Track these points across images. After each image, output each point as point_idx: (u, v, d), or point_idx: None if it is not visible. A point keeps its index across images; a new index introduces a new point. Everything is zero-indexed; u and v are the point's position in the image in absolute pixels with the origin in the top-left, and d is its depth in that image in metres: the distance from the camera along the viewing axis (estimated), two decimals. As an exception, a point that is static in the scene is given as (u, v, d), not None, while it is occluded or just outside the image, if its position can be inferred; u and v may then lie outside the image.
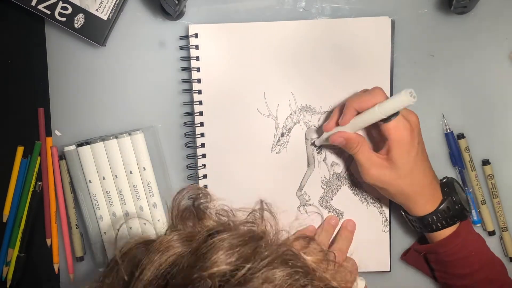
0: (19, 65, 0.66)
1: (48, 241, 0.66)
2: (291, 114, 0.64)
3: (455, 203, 0.57)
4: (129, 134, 0.64)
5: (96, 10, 0.62)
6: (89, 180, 0.64)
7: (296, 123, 0.64)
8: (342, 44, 0.63)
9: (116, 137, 0.64)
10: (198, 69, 0.63)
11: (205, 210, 0.46)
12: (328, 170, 0.64)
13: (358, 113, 0.56)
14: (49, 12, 0.61)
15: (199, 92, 0.63)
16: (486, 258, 0.59)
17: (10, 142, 0.66)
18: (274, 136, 0.64)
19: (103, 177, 0.64)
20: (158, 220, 0.65)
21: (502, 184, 0.64)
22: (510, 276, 0.60)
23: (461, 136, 0.64)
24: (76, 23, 0.62)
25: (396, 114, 0.54)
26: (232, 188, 0.64)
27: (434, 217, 0.57)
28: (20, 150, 0.65)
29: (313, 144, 0.64)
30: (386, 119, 0.54)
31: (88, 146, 0.64)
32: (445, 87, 0.65)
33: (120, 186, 0.64)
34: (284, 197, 0.64)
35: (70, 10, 0.61)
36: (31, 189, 0.65)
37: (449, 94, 0.65)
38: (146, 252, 0.39)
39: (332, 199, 0.64)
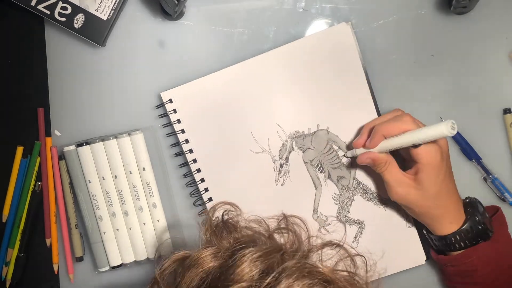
0: (19, 65, 0.66)
1: (48, 241, 0.66)
2: (283, 144, 0.64)
3: (478, 223, 0.56)
4: (129, 134, 0.64)
5: (96, 10, 0.62)
6: (89, 180, 0.64)
7: (291, 151, 0.64)
8: (311, 63, 0.63)
9: (116, 137, 0.64)
10: (183, 131, 0.63)
11: (235, 223, 0.48)
12: (336, 185, 0.64)
13: (385, 137, 0.57)
14: (48, 12, 0.61)
15: (191, 151, 0.64)
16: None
17: (9, 142, 0.66)
18: (274, 169, 0.64)
19: (103, 177, 0.64)
20: (158, 221, 0.64)
21: (502, 185, 0.64)
22: None
23: (507, 111, 0.63)
24: (76, 23, 0.62)
25: None
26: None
27: (457, 236, 0.56)
28: (19, 150, 0.65)
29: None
30: (416, 146, 0.54)
31: (88, 146, 0.64)
32: (445, 87, 0.65)
33: (120, 186, 0.64)
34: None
35: (69, 10, 0.61)
36: (30, 189, 0.65)
37: (449, 94, 0.65)
38: (181, 268, 0.42)
39: (348, 211, 0.64)
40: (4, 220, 0.66)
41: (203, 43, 0.65)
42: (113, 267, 0.65)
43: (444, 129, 0.49)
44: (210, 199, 0.64)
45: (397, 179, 0.57)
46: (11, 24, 0.66)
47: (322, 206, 0.64)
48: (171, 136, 0.65)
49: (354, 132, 0.63)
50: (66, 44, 0.65)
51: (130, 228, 0.65)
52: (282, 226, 0.48)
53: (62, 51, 0.65)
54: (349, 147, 0.63)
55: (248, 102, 0.64)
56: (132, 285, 0.66)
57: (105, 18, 0.62)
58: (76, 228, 0.65)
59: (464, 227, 0.56)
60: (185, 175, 0.65)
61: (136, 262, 0.65)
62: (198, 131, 0.64)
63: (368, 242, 0.64)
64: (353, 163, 0.63)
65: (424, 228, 0.61)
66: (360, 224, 0.64)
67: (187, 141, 0.64)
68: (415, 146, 0.55)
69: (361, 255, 0.47)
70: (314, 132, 0.64)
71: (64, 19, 0.62)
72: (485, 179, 0.64)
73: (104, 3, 0.62)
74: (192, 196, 0.65)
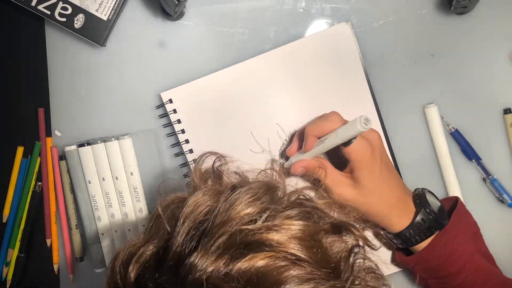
0: (19, 65, 0.66)
1: (48, 242, 0.66)
2: (283, 143, 0.64)
3: (429, 214, 0.56)
4: (130, 136, 0.64)
5: (96, 10, 0.62)
6: (89, 181, 0.64)
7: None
8: (311, 63, 0.63)
9: (117, 139, 0.64)
10: (183, 131, 0.63)
11: (223, 171, 0.52)
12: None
13: (319, 138, 0.57)
14: (49, 13, 0.61)
15: (191, 151, 0.64)
16: (476, 245, 0.58)
17: (10, 142, 0.66)
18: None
19: (103, 178, 0.64)
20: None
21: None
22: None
23: (508, 111, 0.64)
24: (76, 23, 0.62)
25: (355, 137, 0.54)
26: None
27: (410, 231, 0.56)
28: (20, 150, 0.65)
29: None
30: (346, 143, 0.54)
31: (89, 146, 0.64)
32: (445, 87, 0.65)
33: (120, 188, 0.64)
34: None
35: (70, 11, 0.61)
36: (31, 190, 0.65)
37: (449, 94, 0.65)
38: (183, 207, 0.44)
39: None
40: (4, 220, 0.66)
41: (204, 43, 0.65)
42: None
43: (358, 125, 0.50)
44: None
45: (334, 180, 0.57)
46: (11, 24, 0.66)
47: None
48: (171, 136, 0.65)
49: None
50: (66, 44, 0.65)
51: (129, 230, 0.65)
52: (262, 178, 0.53)
53: (62, 51, 0.65)
54: (285, 156, 0.63)
55: (247, 102, 0.64)
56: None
57: (105, 18, 0.62)
58: (76, 228, 0.65)
59: (415, 220, 0.56)
60: (185, 175, 0.65)
61: None
62: (197, 131, 0.64)
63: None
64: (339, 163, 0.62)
65: (381, 228, 0.60)
66: (360, 223, 0.64)
67: (187, 141, 0.64)
68: (345, 144, 0.54)
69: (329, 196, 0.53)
70: None
71: (64, 19, 0.62)
72: (484, 180, 0.64)
73: (105, 3, 0.62)
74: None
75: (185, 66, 0.65)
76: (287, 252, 0.39)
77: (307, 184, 0.53)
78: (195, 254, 0.39)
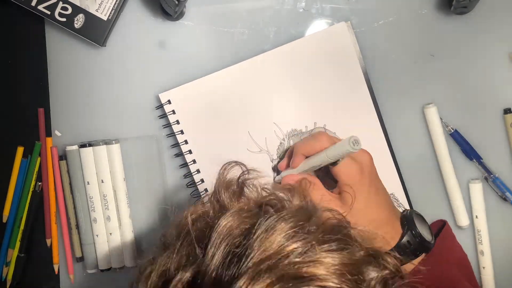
0: (19, 65, 0.66)
1: (48, 242, 0.66)
2: (281, 143, 0.64)
3: (415, 236, 0.55)
4: (131, 139, 0.64)
5: (96, 10, 0.62)
6: (88, 182, 0.64)
7: (288, 150, 0.64)
8: (309, 62, 0.63)
9: (119, 141, 0.64)
10: (181, 131, 0.63)
11: (249, 185, 0.49)
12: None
13: (307, 157, 0.57)
14: (49, 13, 0.61)
15: (190, 152, 0.64)
16: (462, 272, 0.58)
17: (10, 142, 0.66)
18: (272, 169, 0.64)
19: (102, 180, 0.64)
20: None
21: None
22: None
23: (508, 111, 0.64)
24: (76, 24, 0.62)
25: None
26: None
27: (399, 252, 0.55)
28: (20, 150, 0.65)
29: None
30: (335, 163, 0.54)
31: (90, 148, 0.64)
32: (446, 87, 0.65)
33: (118, 191, 0.64)
34: None
35: (70, 11, 0.61)
36: (31, 190, 0.65)
37: (450, 94, 0.65)
38: (214, 230, 0.41)
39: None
40: (4, 220, 0.66)
41: (204, 43, 0.65)
42: (102, 270, 0.65)
43: (347, 145, 0.49)
44: None
45: (323, 197, 0.56)
46: (11, 24, 0.66)
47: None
48: (171, 137, 0.65)
49: (351, 130, 0.63)
50: (66, 44, 0.65)
51: (125, 233, 0.65)
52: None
53: (62, 51, 0.65)
54: (277, 169, 0.63)
55: (245, 101, 0.64)
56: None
57: (105, 18, 0.62)
58: (76, 229, 0.65)
59: (401, 241, 0.55)
60: (185, 176, 0.65)
61: (126, 268, 0.65)
62: (196, 131, 0.64)
63: None
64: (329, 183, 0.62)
65: None
66: None
67: (186, 142, 0.64)
68: (333, 164, 0.54)
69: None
70: (311, 130, 0.64)
71: (64, 19, 0.62)
72: (486, 178, 0.64)
73: (105, 3, 0.61)
74: (192, 196, 0.65)
75: (185, 66, 0.65)
76: (335, 284, 0.38)
77: (327, 207, 0.49)
78: (240, 282, 0.37)
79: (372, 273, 0.42)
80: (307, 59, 0.63)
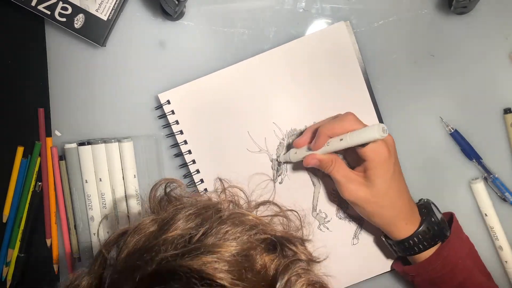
0: (19, 65, 0.66)
1: (48, 241, 0.66)
2: (280, 142, 0.64)
3: (434, 223, 0.56)
4: (131, 139, 0.64)
5: (96, 10, 0.62)
6: (86, 180, 0.64)
7: (280, 155, 0.64)
8: (308, 62, 0.63)
9: (119, 141, 0.64)
10: (181, 132, 0.63)
11: (178, 196, 0.51)
12: (334, 182, 0.64)
13: (330, 137, 0.57)
14: (49, 13, 0.61)
15: (189, 152, 0.64)
16: (474, 261, 0.59)
17: (10, 142, 0.66)
18: (272, 168, 0.64)
19: (100, 179, 0.64)
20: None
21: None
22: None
23: (507, 111, 0.63)
24: (76, 23, 0.62)
25: None
26: None
27: (415, 239, 0.56)
28: (20, 150, 0.65)
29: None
30: (363, 144, 0.54)
31: (89, 146, 0.64)
32: (445, 87, 0.65)
33: (116, 190, 0.64)
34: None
35: (70, 11, 0.61)
36: (31, 190, 0.65)
37: (449, 94, 0.65)
38: (123, 239, 0.44)
39: (348, 208, 0.64)
40: (4, 220, 0.66)
41: (204, 43, 0.65)
42: None
43: (376, 132, 0.51)
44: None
45: (347, 177, 0.56)
46: (11, 24, 0.66)
47: (321, 204, 0.64)
48: (170, 137, 0.65)
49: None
50: (66, 44, 0.65)
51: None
52: (222, 196, 0.52)
53: (62, 51, 0.65)
54: (289, 147, 0.63)
55: (244, 101, 0.64)
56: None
57: (105, 18, 0.62)
58: (75, 229, 0.65)
59: (421, 228, 0.56)
60: (185, 176, 0.65)
61: None
62: (195, 132, 0.64)
63: (368, 239, 0.65)
64: (351, 161, 0.62)
65: (383, 234, 0.61)
66: (360, 221, 0.64)
67: (185, 142, 0.64)
68: (363, 145, 0.54)
69: (293, 210, 0.53)
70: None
71: (64, 19, 0.62)
72: (485, 178, 0.64)
73: (105, 3, 0.62)
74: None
75: (185, 66, 0.65)
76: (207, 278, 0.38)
77: (263, 200, 0.53)
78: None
79: (277, 261, 0.42)
80: (307, 59, 0.63)
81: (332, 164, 0.57)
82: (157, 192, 0.51)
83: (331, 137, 0.56)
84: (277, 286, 0.40)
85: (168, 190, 0.51)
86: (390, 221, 0.57)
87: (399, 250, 0.59)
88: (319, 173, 0.64)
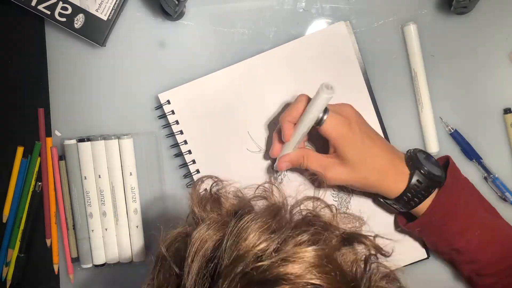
0: (19, 65, 0.66)
1: (48, 242, 0.66)
2: None
3: (423, 175, 0.56)
4: (131, 136, 0.64)
5: (96, 10, 0.62)
6: (85, 177, 0.64)
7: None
8: (308, 62, 0.63)
9: (118, 138, 0.64)
10: (181, 132, 0.63)
11: (222, 195, 0.50)
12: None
13: (293, 123, 0.56)
14: (49, 13, 0.61)
15: (189, 152, 0.64)
16: (477, 200, 0.59)
17: (10, 142, 0.66)
18: (272, 168, 0.64)
19: (99, 175, 0.64)
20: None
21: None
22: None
23: (507, 111, 0.63)
24: (76, 23, 0.62)
25: (326, 113, 0.53)
26: None
27: (408, 194, 0.56)
28: (20, 150, 0.65)
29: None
30: (319, 122, 0.54)
31: (89, 142, 0.64)
32: (445, 87, 0.65)
33: (116, 187, 0.64)
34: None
35: (70, 10, 0.61)
36: (31, 190, 0.65)
37: (449, 94, 0.65)
38: (188, 246, 0.42)
39: (348, 208, 0.64)
40: (4, 220, 0.66)
41: (204, 43, 0.65)
42: (96, 266, 0.65)
43: (321, 92, 0.50)
44: None
45: (322, 165, 0.56)
46: (11, 24, 0.66)
47: None
48: (171, 137, 0.65)
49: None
50: (66, 44, 0.65)
51: (106, 229, 0.65)
52: (259, 194, 0.52)
53: (62, 51, 0.65)
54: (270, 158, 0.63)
55: (244, 101, 0.64)
56: (131, 285, 0.66)
57: (105, 18, 0.62)
58: (73, 229, 0.65)
59: (411, 182, 0.56)
60: (185, 176, 0.65)
61: (121, 264, 0.65)
62: (195, 131, 0.64)
63: None
64: (322, 148, 0.62)
65: (380, 196, 0.60)
66: (360, 220, 0.64)
67: (185, 142, 0.64)
68: (319, 123, 0.54)
69: (331, 205, 0.51)
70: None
71: (64, 19, 0.62)
72: (485, 178, 0.64)
73: (105, 3, 0.62)
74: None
75: (185, 66, 0.65)
76: (306, 283, 0.38)
77: (304, 195, 0.51)
78: None
79: (349, 255, 0.43)
80: (307, 59, 0.63)
81: (304, 158, 0.57)
82: (200, 188, 0.51)
83: (293, 123, 0.56)
84: (360, 282, 0.41)
85: (214, 189, 0.51)
86: (378, 185, 0.57)
87: (399, 207, 0.58)
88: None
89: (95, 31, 0.62)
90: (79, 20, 0.62)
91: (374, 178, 0.56)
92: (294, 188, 0.63)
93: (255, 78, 0.63)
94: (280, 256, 0.39)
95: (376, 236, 0.47)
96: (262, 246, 0.40)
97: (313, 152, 0.58)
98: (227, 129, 0.64)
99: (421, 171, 0.56)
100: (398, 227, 0.64)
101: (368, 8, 0.65)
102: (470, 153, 0.64)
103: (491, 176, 0.64)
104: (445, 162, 0.60)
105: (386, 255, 0.47)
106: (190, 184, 0.65)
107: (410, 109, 0.65)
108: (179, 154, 0.64)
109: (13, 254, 0.65)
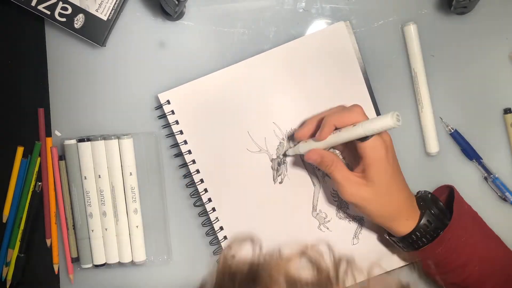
0: (19, 65, 0.66)
1: (48, 242, 0.66)
2: (280, 142, 0.64)
3: (434, 215, 0.56)
4: (131, 136, 0.64)
5: (96, 10, 0.62)
6: (85, 177, 0.64)
7: (288, 149, 0.64)
8: (308, 62, 0.63)
9: (118, 138, 0.64)
10: (181, 132, 0.63)
11: (267, 273, 0.40)
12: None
13: (336, 129, 0.56)
14: (49, 13, 0.61)
15: (189, 152, 0.64)
16: (479, 231, 0.59)
17: (10, 142, 0.66)
18: (272, 168, 0.64)
19: (99, 175, 0.64)
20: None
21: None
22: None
23: (507, 111, 0.63)
24: (76, 24, 0.62)
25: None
26: (248, 228, 0.63)
27: (417, 233, 0.56)
28: (20, 150, 0.65)
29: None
30: (364, 138, 0.54)
31: (89, 142, 0.64)
32: (445, 87, 0.65)
33: (116, 187, 0.64)
34: (301, 222, 0.64)
35: (70, 11, 0.61)
36: (31, 190, 0.65)
37: (449, 94, 0.65)
38: None
39: (348, 207, 0.64)
40: (4, 220, 0.66)
41: (204, 43, 0.65)
42: (96, 266, 0.65)
43: (390, 121, 0.50)
44: (209, 200, 0.64)
45: (347, 178, 0.56)
46: (11, 24, 0.66)
47: (321, 203, 0.64)
48: (171, 137, 0.65)
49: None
50: (66, 44, 0.65)
51: (106, 229, 0.64)
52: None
53: (62, 51, 0.65)
54: (292, 138, 0.62)
55: (244, 101, 0.64)
56: (131, 285, 0.66)
57: (105, 18, 0.62)
58: (73, 229, 0.65)
59: (421, 222, 0.56)
60: (185, 176, 0.65)
61: (120, 264, 0.65)
62: (195, 132, 0.64)
63: (369, 238, 0.65)
64: (349, 161, 0.62)
65: (386, 232, 0.61)
66: (360, 220, 0.64)
67: (185, 142, 0.64)
68: (362, 140, 0.54)
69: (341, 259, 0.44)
70: None
71: (64, 19, 0.62)
72: (486, 179, 0.64)
73: (104, 3, 0.62)
74: (192, 197, 0.65)
75: (185, 66, 0.65)
76: None
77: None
78: None
79: None
80: (307, 59, 0.63)
81: (333, 163, 0.56)
82: (231, 260, 0.42)
83: (337, 128, 0.56)
84: None
85: (253, 267, 0.41)
86: (391, 218, 0.57)
87: (404, 246, 0.59)
88: (319, 172, 0.64)
89: (95, 31, 0.62)
90: (79, 20, 0.62)
91: (389, 209, 0.56)
92: (290, 192, 0.63)
93: (255, 78, 0.63)
94: None
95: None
96: None
97: (342, 164, 0.57)
98: (227, 129, 0.64)
99: (432, 211, 0.56)
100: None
101: (368, 8, 0.65)
102: (470, 153, 0.64)
103: (491, 176, 0.64)
104: (449, 193, 0.60)
105: None
106: (190, 184, 0.65)
107: (410, 109, 0.65)
108: (179, 154, 0.64)
109: (13, 254, 0.65)
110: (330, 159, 0.56)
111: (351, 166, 0.59)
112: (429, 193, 0.60)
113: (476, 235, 0.58)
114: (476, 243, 0.57)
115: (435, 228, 0.56)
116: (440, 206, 0.58)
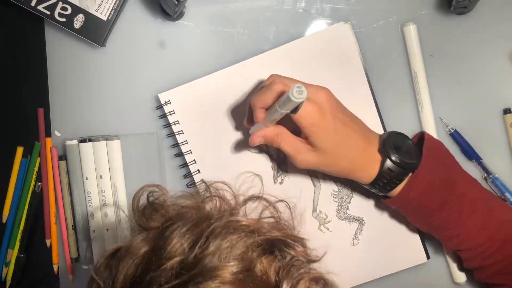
0: (19, 65, 0.66)
1: (48, 242, 0.66)
2: None
3: (394, 162, 0.55)
4: (132, 136, 0.64)
5: (96, 10, 0.62)
6: (86, 177, 0.64)
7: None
8: (309, 62, 0.63)
9: (119, 138, 0.64)
10: (181, 132, 0.63)
11: (161, 203, 0.47)
12: (334, 182, 0.64)
13: (267, 108, 0.55)
14: (48, 13, 0.61)
15: (190, 152, 0.64)
16: (457, 174, 0.58)
17: (10, 143, 0.66)
18: (272, 168, 0.64)
19: (100, 176, 0.64)
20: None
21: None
22: None
23: (507, 111, 0.63)
24: (76, 24, 0.62)
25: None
26: None
27: (382, 180, 0.55)
28: (19, 150, 0.65)
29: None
30: (294, 110, 0.51)
31: (90, 143, 0.64)
32: (445, 87, 0.65)
33: (117, 188, 0.64)
34: (301, 222, 0.64)
35: (69, 11, 0.61)
36: (30, 190, 0.65)
37: (449, 94, 0.65)
38: (115, 262, 0.41)
39: (348, 208, 0.64)
40: (4, 220, 0.66)
41: (203, 43, 0.65)
42: None
43: (292, 97, 0.46)
44: None
45: (295, 147, 0.55)
46: (11, 24, 0.66)
47: (321, 204, 0.64)
48: (171, 137, 0.65)
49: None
50: (66, 44, 0.65)
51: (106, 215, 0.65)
52: (207, 194, 0.49)
53: (62, 52, 0.65)
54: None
55: (244, 101, 0.63)
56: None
57: (105, 18, 0.62)
58: (73, 229, 0.65)
59: (382, 170, 0.55)
60: (185, 176, 0.65)
61: None
62: (195, 132, 0.64)
63: (369, 238, 0.64)
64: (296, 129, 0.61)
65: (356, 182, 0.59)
66: (360, 221, 0.64)
67: (186, 142, 0.64)
68: (294, 111, 0.52)
69: (283, 200, 0.50)
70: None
71: (64, 19, 0.62)
72: (485, 179, 0.64)
73: (104, 3, 0.62)
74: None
75: (185, 66, 0.65)
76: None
77: (251, 195, 0.50)
78: None
79: (276, 264, 0.41)
80: (307, 59, 0.63)
81: (278, 137, 0.55)
82: (139, 201, 0.48)
83: (265, 108, 0.54)
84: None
85: (151, 198, 0.48)
86: (349, 171, 0.56)
87: (376, 191, 0.58)
88: (320, 173, 0.64)
89: (95, 31, 0.62)
90: (78, 20, 0.62)
91: (343, 165, 0.55)
92: (290, 192, 0.63)
93: (256, 78, 0.63)
94: (196, 271, 0.38)
95: (303, 239, 0.45)
96: (178, 259, 0.39)
97: (288, 132, 0.56)
98: (227, 129, 0.64)
99: (392, 158, 0.55)
100: (398, 229, 0.64)
101: (368, 8, 0.65)
102: (470, 153, 0.64)
103: (491, 176, 0.64)
104: (421, 138, 0.59)
105: (315, 260, 0.45)
106: (190, 184, 0.65)
107: (410, 109, 0.65)
108: (180, 154, 0.64)
109: (13, 254, 0.65)
110: (273, 134, 0.55)
111: (298, 133, 0.57)
112: (396, 133, 0.58)
113: (452, 177, 0.56)
114: (453, 185, 0.56)
115: (397, 175, 0.55)
116: (407, 148, 0.57)
